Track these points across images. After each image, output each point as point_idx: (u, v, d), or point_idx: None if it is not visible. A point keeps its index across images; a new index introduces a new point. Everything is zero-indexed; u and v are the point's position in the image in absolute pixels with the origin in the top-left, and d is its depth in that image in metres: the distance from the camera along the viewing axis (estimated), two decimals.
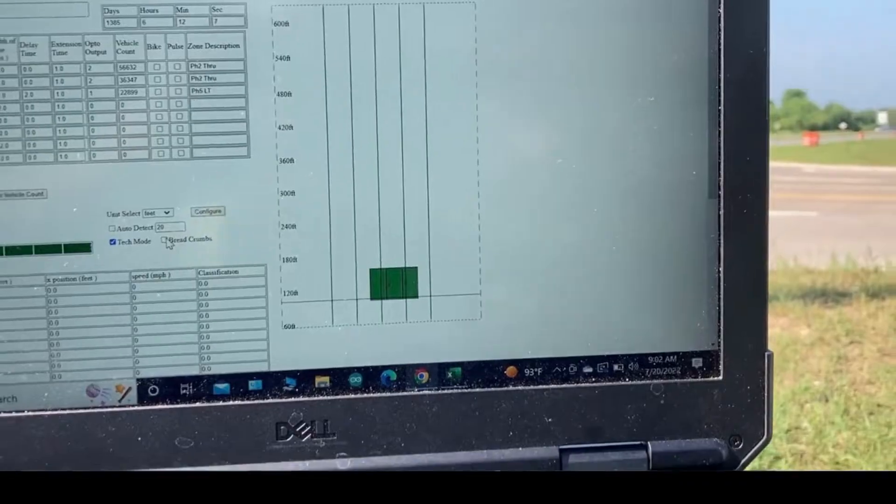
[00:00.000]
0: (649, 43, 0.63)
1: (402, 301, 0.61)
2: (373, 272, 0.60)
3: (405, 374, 0.61)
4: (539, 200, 0.62)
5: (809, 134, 62.22)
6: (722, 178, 0.62)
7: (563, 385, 0.63)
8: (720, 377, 0.64)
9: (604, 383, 0.64)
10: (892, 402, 3.91)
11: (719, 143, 0.62)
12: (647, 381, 0.64)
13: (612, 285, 0.63)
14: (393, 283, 0.61)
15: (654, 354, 0.64)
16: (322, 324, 0.60)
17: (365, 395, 0.61)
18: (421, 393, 0.61)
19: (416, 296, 0.61)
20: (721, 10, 0.62)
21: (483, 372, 0.62)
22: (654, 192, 0.63)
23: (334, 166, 0.59)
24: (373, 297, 0.61)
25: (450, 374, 0.62)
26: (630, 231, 0.63)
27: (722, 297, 0.63)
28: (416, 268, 0.61)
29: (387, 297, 0.61)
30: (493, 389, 0.62)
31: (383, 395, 0.61)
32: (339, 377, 0.61)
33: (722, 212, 0.63)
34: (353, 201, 0.60)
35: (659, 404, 0.64)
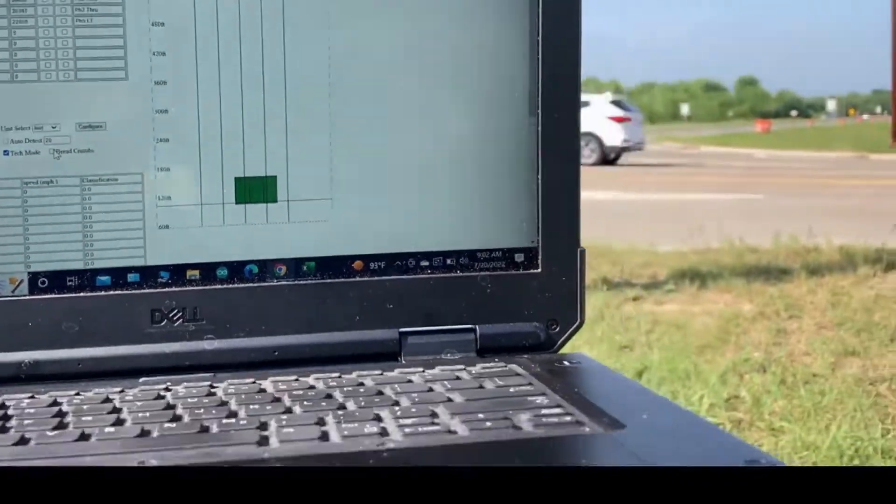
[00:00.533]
0: None
1: (263, 205, 0.69)
2: (237, 180, 0.68)
3: (265, 267, 0.69)
4: (382, 118, 0.70)
5: (761, 121, 63.02)
6: (540, 99, 0.70)
7: (403, 276, 0.70)
8: (539, 270, 0.71)
9: (438, 275, 0.71)
10: (827, 372, 4.00)
11: (538, 70, 0.70)
12: (476, 274, 0.71)
13: (445, 191, 0.71)
14: (255, 190, 0.69)
15: (481, 250, 0.72)
16: (193, 224, 0.68)
17: (230, 285, 0.68)
18: (279, 284, 0.69)
19: (275, 200, 0.69)
20: None
21: (333, 265, 0.70)
22: (482, 109, 0.71)
23: (203, 88, 0.67)
24: (237, 202, 0.69)
25: (304, 268, 0.70)
26: (462, 144, 0.71)
27: (540, 201, 0.70)
28: (275, 176, 0.69)
29: (250, 202, 0.69)
30: (341, 281, 0.70)
31: (246, 285, 0.69)
32: (208, 270, 0.68)
33: (540, 128, 0.70)
34: (220, 119, 0.68)
35: (486, 294, 0.71)
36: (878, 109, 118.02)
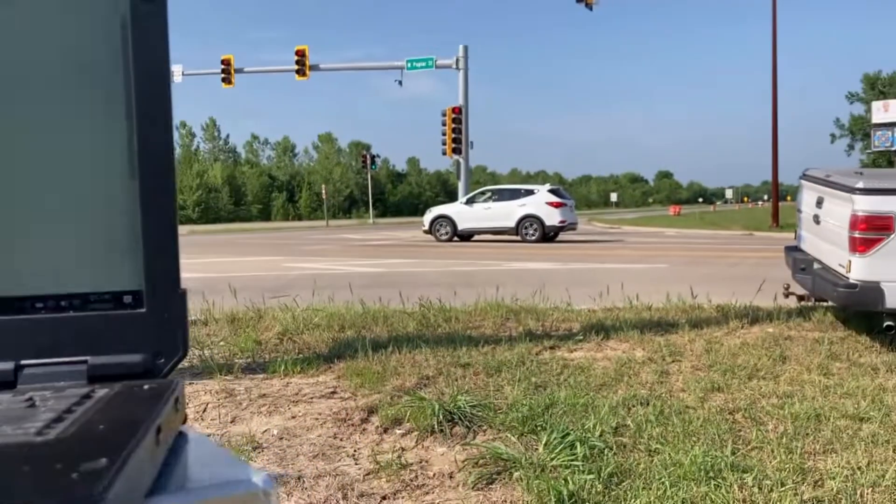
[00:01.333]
0: (69, 47, 0.67)
1: None
2: None
3: None
4: None
5: (674, 206, 64.08)
6: (137, 164, 0.68)
7: (21, 316, 0.68)
8: (144, 309, 0.70)
9: (54, 315, 0.69)
10: (697, 404, 4.03)
11: (134, 135, 0.68)
12: (89, 313, 0.70)
13: (63, 244, 0.70)
14: None
15: (93, 293, 0.70)
16: None
17: None
18: None
19: None
20: (129, 27, 0.67)
21: None
22: (88, 171, 0.69)
23: None
24: None
25: None
26: (73, 201, 0.69)
27: (144, 251, 0.69)
28: None
29: None
30: None
31: None
32: None
33: (140, 189, 0.68)
34: None
35: (97, 330, 0.69)
36: (766, 197, 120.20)
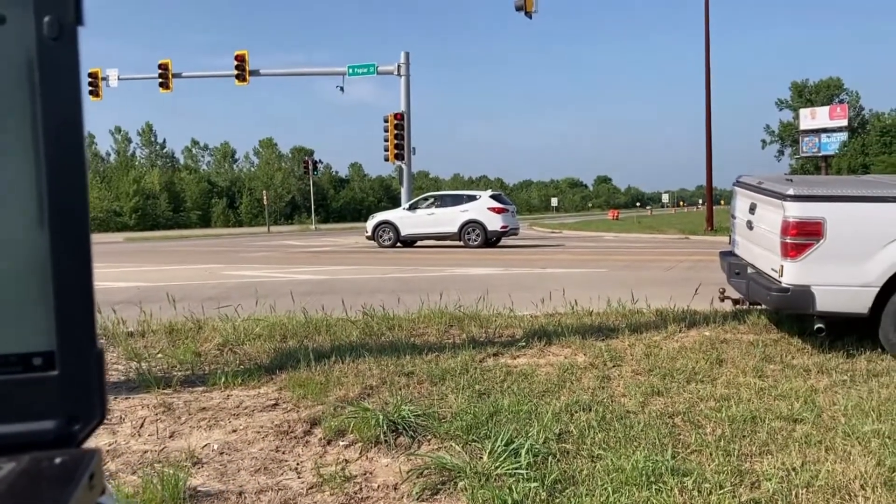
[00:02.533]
0: None
1: None
2: None
3: None
4: None
5: (613, 211, 65.10)
6: (47, 212, 0.62)
7: None
8: (57, 372, 0.63)
9: None
10: (638, 409, 4.08)
11: (44, 185, 0.62)
12: None
13: None
14: None
15: None
16: None
17: None
18: None
19: None
20: (36, 67, 0.62)
21: None
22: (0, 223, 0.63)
23: None
24: None
25: None
26: None
27: (55, 308, 0.63)
28: None
29: None
30: None
31: None
32: None
33: (50, 238, 0.62)
34: None
35: (2, 396, 0.63)
36: (700, 201, 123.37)
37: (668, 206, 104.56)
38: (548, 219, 70.26)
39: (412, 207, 21.38)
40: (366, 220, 22.50)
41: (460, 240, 20.30)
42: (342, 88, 28.59)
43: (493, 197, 20.92)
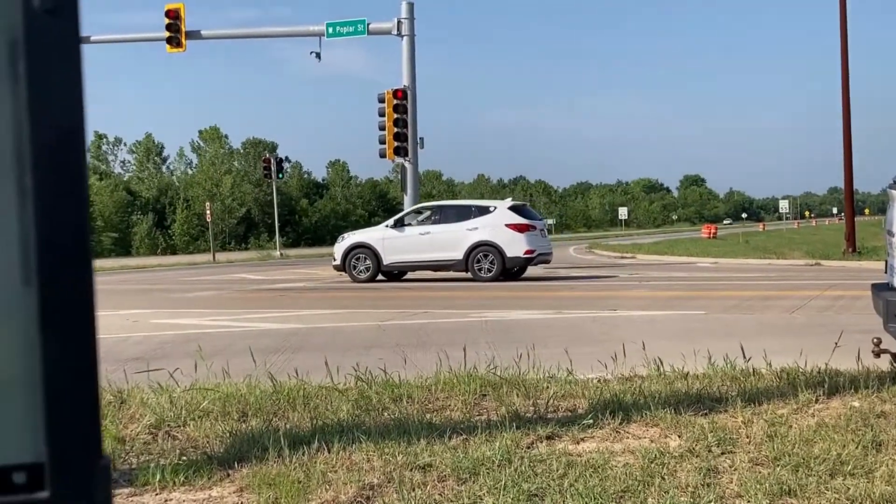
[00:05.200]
0: None
1: None
2: None
3: None
4: None
5: (708, 226, 65.14)
6: (35, 265, 0.60)
7: None
8: (47, 493, 0.62)
9: None
10: None
11: (30, 219, 0.61)
12: None
13: None
14: None
15: None
16: None
17: None
18: None
19: None
20: (22, 67, 0.60)
21: None
22: None
23: None
24: None
25: None
26: None
27: (44, 403, 0.61)
28: None
29: None
30: None
31: None
32: None
33: (38, 300, 0.60)
34: None
35: None
36: (835, 211, 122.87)
37: (788, 218, 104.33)
38: (614, 238, 70.34)
39: (399, 224, 21.50)
40: None
41: (467, 270, 20.31)
42: (318, 55, 28.89)
43: (513, 209, 21.06)
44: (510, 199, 22.58)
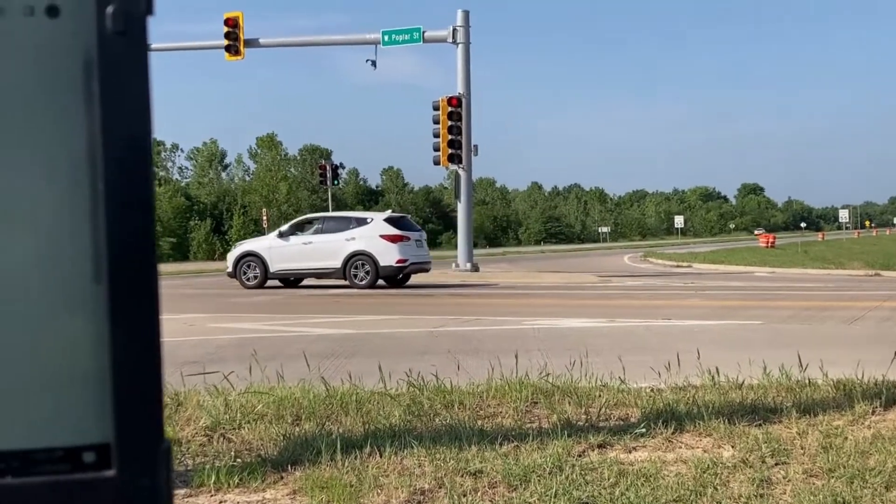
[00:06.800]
0: (24, 131, 0.65)
1: None
2: None
3: None
4: None
5: (766, 235, 64.44)
6: (106, 263, 0.63)
7: None
8: (114, 472, 0.65)
9: None
10: None
11: (101, 223, 0.64)
12: (34, 479, 0.63)
13: None
14: None
15: (38, 450, 0.64)
16: None
17: None
18: None
19: None
20: (96, 75, 0.64)
21: None
22: (44, 278, 0.65)
23: None
24: None
25: None
26: (8, 325, 0.64)
27: (113, 389, 0.63)
28: None
29: None
30: None
31: None
32: None
33: (108, 296, 0.63)
34: None
35: (46, 503, 0.63)
36: (895, 220, 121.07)
37: (848, 228, 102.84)
38: (669, 246, 69.82)
39: (285, 234, 22.53)
40: None
41: (345, 278, 21.39)
42: (374, 63, 29.08)
43: (388, 221, 22.15)
44: (389, 210, 23.56)
